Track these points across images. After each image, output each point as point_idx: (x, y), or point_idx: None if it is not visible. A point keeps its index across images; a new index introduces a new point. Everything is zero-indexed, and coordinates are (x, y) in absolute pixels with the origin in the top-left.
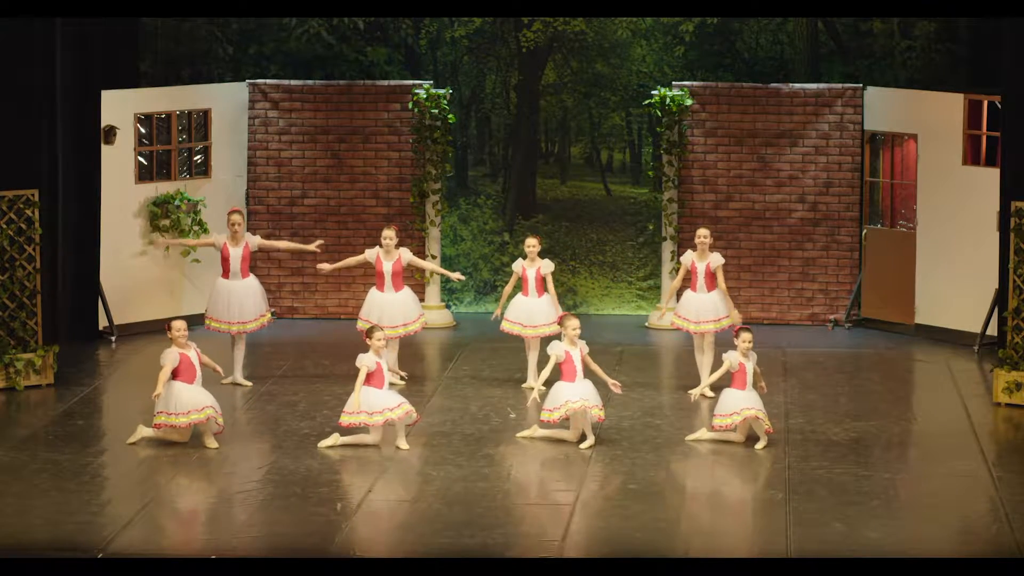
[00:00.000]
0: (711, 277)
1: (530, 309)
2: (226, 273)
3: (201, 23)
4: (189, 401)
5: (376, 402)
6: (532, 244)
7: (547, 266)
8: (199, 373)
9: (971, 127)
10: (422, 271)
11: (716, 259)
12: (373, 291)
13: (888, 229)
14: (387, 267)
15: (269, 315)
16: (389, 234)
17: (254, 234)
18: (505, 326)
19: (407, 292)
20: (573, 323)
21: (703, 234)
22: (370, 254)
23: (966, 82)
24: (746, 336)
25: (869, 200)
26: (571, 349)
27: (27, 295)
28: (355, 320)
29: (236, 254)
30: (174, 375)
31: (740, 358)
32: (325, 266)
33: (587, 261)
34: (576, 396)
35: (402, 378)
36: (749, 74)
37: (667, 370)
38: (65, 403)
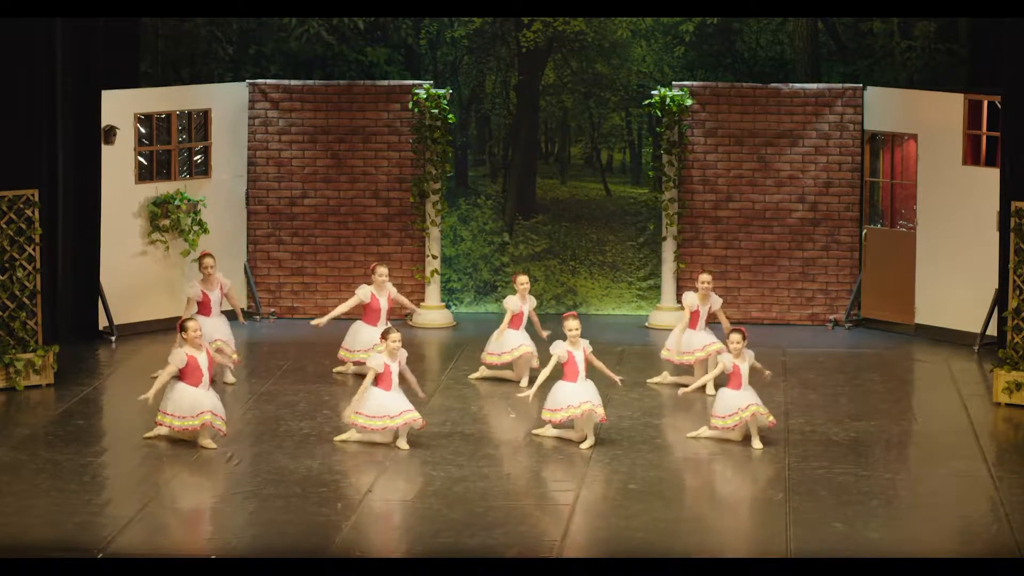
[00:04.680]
0: (712, 318)
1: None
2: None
3: (201, 23)
4: (188, 405)
5: (378, 407)
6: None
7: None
8: (206, 376)
9: (971, 127)
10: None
11: (716, 301)
12: (361, 325)
13: (888, 229)
14: (383, 303)
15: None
16: (383, 271)
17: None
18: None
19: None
20: (573, 324)
21: (706, 280)
22: (363, 293)
23: (966, 82)
24: (735, 337)
25: (869, 200)
26: (573, 349)
27: (27, 295)
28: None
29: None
30: (180, 376)
31: (734, 359)
32: (320, 320)
33: (587, 261)
34: (577, 400)
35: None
36: (749, 74)
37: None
38: (65, 403)
